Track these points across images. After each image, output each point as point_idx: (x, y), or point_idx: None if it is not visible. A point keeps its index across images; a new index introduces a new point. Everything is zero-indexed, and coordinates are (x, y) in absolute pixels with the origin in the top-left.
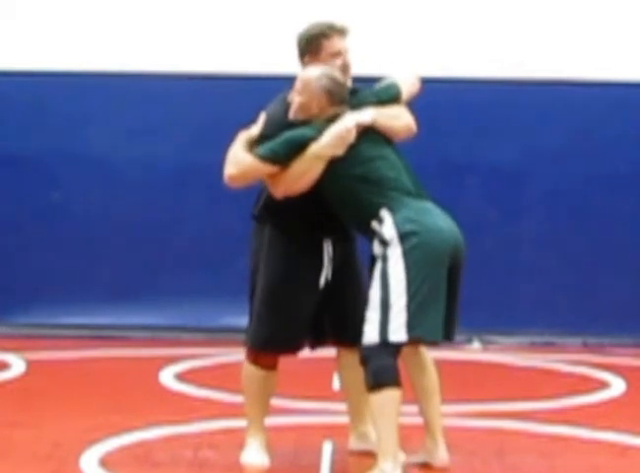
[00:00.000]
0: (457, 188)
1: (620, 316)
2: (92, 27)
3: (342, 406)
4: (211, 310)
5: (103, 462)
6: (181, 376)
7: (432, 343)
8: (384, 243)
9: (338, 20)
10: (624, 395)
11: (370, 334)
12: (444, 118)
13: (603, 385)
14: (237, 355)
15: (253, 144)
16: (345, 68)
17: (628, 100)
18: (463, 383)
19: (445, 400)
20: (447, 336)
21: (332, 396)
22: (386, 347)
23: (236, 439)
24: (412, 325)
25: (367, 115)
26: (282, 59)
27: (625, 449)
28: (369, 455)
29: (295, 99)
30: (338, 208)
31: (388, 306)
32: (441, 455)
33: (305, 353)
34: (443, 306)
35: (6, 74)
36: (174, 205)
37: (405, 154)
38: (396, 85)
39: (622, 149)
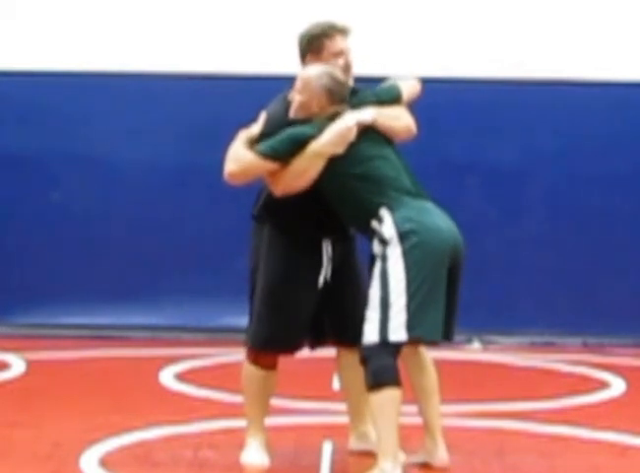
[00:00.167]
0: (457, 188)
1: (620, 316)
2: (92, 27)
3: (342, 406)
4: (211, 310)
5: (103, 462)
6: (181, 376)
7: (432, 343)
8: (384, 243)
9: (338, 20)
10: (624, 395)
11: (370, 334)
12: (444, 118)
13: (603, 385)
14: (237, 355)
15: (253, 142)
16: (346, 68)
17: (628, 100)
18: (463, 383)
19: (445, 400)
20: (446, 336)
21: (332, 396)
22: (386, 347)
23: (236, 439)
24: (411, 325)
25: (368, 114)
26: (282, 59)
27: (625, 449)
28: (369, 455)
29: (296, 97)
30: (337, 207)
31: (388, 306)
32: (441, 455)
33: (305, 353)
34: (443, 306)
35: (6, 74)
36: (174, 205)
37: (405, 154)
38: (397, 86)
39: (622, 149)
